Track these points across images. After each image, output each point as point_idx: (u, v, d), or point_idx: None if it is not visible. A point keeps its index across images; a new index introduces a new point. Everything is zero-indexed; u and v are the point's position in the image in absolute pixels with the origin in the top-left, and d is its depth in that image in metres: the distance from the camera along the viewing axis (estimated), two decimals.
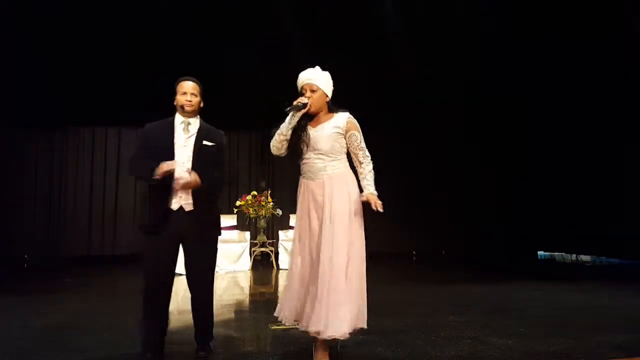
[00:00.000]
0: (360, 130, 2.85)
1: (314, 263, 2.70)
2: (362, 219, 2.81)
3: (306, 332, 2.67)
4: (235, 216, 8.22)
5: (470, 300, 4.74)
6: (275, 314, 2.86)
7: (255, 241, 8.11)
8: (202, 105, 2.99)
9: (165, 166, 2.71)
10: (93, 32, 7.24)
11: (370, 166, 2.83)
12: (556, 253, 9.90)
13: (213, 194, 2.99)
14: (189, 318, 3.10)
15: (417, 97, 8.67)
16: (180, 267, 3.15)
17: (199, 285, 2.92)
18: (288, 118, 2.79)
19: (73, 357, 2.87)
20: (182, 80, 2.93)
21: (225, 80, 7.60)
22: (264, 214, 7.95)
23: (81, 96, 8.04)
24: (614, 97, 7.80)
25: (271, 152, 2.90)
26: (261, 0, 7.20)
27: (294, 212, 2.96)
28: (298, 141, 2.83)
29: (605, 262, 8.83)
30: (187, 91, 2.89)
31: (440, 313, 4.09)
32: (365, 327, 2.65)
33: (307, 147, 2.83)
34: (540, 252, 10.22)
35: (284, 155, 2.89)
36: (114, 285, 6.41)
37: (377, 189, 2.78)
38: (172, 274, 2.88)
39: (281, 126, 2.82)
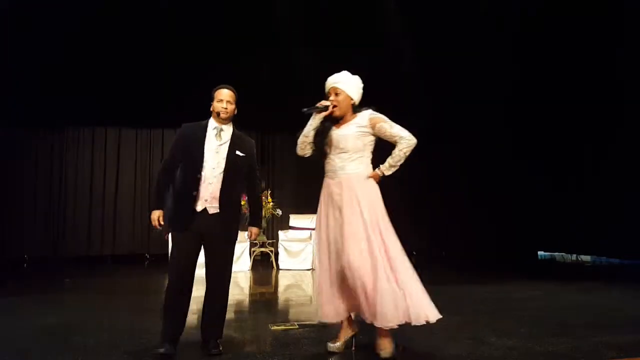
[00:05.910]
0: (386, 119, 2.94)
1: (337, 259, 2.83)
2: (382, 214, 2.88)
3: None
4: None
5: (470, 300, 4.74)
6: (318, 320, 3.06)
7: (255, 241, 8.10)
8: (236, 112, 3.13)
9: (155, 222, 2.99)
10: (93, 31, 7.24)
11: (403, 145, 2.85)
12: (556, 253, 9.89)
13: (238, 201, 3.11)
14: (192, 318, 3.10)
15: (417, 97, 8.66)
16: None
17: (216, 279, 3.01)
18: (310, 120, 2.92)
19: (73, 357, 2.87)
20: (219, 88, 3.09)
21: (225, 81, 7.58)
22: (263, 214, 7.92)
23: (81, 96, 8.02)
24: (613, 97, 7.80)
25: (298, 153, 3.05)
26: (262, 4, 7.19)
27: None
28: (323, 143, 2.94)
29: (605, 262, 8.82)
30: (224, 99, 3.05)
31: (441, 313, 4.08)
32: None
33: (331, 148, 2.94)
34: (540, 252, 10.22)
35: (308, 155, 3.02)
36: (114, 285, 6.40)
37: (381, 186, 2.88)
38: (192, 275, 2.96)
39: (305, 128, 2.95)
